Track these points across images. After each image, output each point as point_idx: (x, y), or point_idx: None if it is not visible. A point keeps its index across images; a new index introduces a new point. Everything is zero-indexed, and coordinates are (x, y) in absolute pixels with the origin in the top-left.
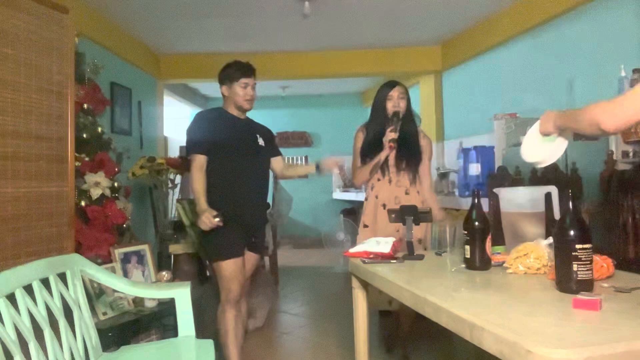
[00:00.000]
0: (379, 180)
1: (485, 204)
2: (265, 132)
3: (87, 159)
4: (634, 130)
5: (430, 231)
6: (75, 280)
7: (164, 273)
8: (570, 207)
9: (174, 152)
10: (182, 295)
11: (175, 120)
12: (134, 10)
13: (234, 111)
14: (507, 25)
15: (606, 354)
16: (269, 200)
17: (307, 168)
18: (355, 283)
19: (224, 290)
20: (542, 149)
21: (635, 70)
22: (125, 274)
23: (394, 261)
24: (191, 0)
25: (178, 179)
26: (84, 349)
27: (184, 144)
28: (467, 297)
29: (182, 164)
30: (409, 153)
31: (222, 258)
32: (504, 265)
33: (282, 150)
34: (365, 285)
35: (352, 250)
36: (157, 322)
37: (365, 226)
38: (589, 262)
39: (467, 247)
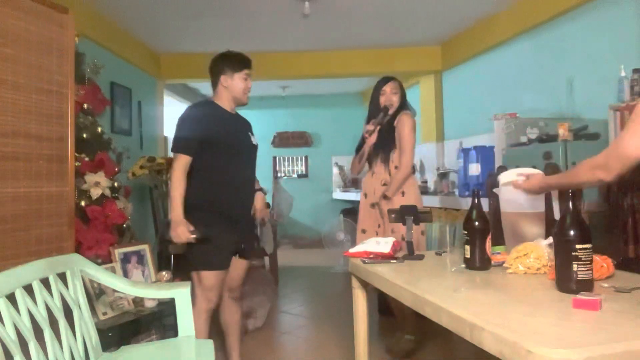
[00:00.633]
0: (366, 173)
1: (485, 204)
2: (251, 129)
3: (87, 159)
4: None
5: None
6: (75, 280)
7: (164, 273)
8: (570, 207)
9: None
10: (182, 295)
11: (175, 120)
12: (134, 10)
13: (226, 105)
14: (507, 25)
15: (606, 354)
16: (269, 200)
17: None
18: (355, 283)
19: (204, 299)
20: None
21: (635, 70)
22: (125, 274)
23: (394, 261)
24: (191, 0)
25: None
26: (84, 349)
27: None
28: (467, 297)
29: None
30: (382, 144)
31: (207, 268)
32: (504, 265)
33: (282, 150)
34: (365, 285)
35: (352, 250)
36: (157, 322)
37: (364, 231)
38: (589, 262)
39: (467, 247)
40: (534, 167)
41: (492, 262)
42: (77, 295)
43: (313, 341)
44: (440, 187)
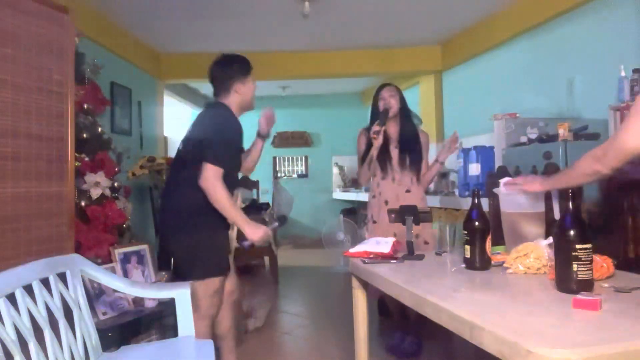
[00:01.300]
0: (383, 179)
1: (485, 204)
2: None
3: (87, 159)
4: None
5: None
6: (75, 280)
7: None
8: (570, 207)
9: (174, 152)
10: (182, 296)
11: (175, 120)
12: (134, 11)
13: (237, 112)
14: (507, 25)
15: (606, 353)
16: (269, 200)
17: (255, 146)
18: (355, 283)
19: (210, 305)
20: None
21: (635, 70)
22: (125, 274)
23: (394, 261)
24: (191, 0)
25: None
26: (84, 349)
27: None
28: (467, 297)
29: None
30: (411, 153)
31: (214, 274)
32: (504, 265)
33: (282, 150)
34: (365, 285)
35: (352, 250)
36: (157, 322)
37: (375, 222)
38: (589, 262)
39: (467, 247)
40: (534, 167)
41: (492, 262)
42: (77, 295)
43: (313, 341)
44: (440, 187)
